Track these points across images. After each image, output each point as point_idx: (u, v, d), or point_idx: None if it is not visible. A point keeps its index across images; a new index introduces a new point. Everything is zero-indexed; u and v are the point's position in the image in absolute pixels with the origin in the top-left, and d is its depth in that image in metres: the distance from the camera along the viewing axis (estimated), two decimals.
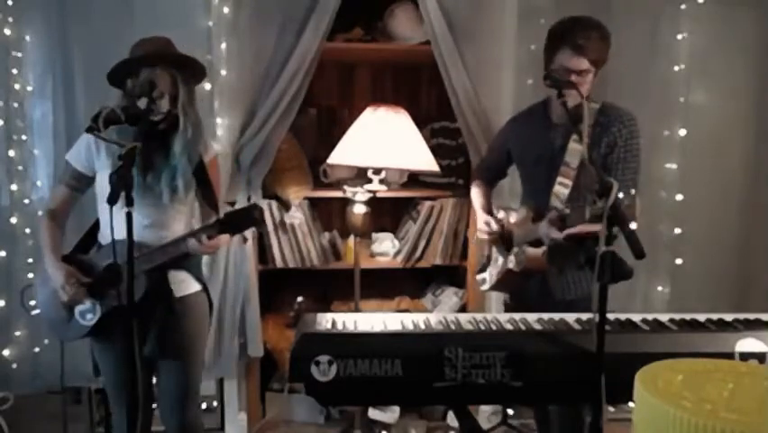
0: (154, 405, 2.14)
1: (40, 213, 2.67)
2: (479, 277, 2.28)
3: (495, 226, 2.13)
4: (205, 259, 2.55)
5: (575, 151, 1.96)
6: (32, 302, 2.23)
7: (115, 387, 2.00)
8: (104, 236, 1.99)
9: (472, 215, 2.73)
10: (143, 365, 2.01)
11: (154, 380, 2.08)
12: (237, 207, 1.86)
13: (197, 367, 2.07)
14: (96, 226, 2.05)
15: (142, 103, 1.71)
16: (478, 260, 2.41)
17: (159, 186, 1.89)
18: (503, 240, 2.14)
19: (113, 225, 1.51)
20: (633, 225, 1.47)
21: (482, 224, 2.18)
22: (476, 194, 2.36)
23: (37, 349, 2.69)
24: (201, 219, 2.10)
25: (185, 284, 2.02)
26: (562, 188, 1.97)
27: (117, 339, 1.89)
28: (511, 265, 2.00)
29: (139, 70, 1.83)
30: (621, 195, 1.49)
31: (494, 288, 2.22)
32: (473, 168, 2.68)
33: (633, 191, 1.51)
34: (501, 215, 2.20)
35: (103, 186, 1.91)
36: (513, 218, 2.09)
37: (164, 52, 1.88)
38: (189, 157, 1.91)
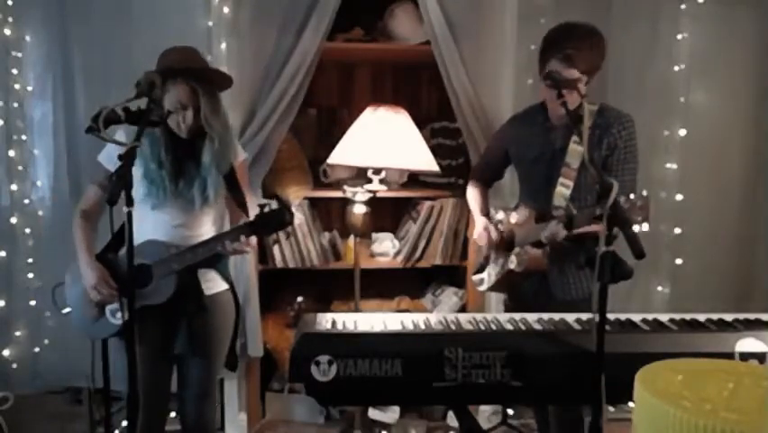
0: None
1: (40, 213, 2.69)
2: (476, 277, 2.26)
3: (495, 235, 2.11)
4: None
5: (576, 152, 1.96)
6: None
7: (140, 387, 2.00)
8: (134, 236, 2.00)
9: (472, 215, 2.71)
10: (168, 364, 2.05)
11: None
12: (267, 209, 1.87)
13: (220, 365, 2.11)
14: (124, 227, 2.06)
15: (142, 103, 1.71)
16: (477, 259, 2.39)
17: (190, 193, 1.92)
18: (503, 241, 2.13)
19: (111, 225, 1.51)
20: (645, 226, 1.49)
21: (482, 230, 2.16)
22: (473, 196, 2.34)
23: (37, 349, 2.69)
24: (231, 221, 2.13)
25: (213, 283, 2.05)
26: (563, 189, 1.97)
27: (145, 339, 1.90)
28: (512, 266, 2.00)
29: (163, 81, 1.82)
30: (633, 196, 1.51)
31: (493, 288, 2.21)
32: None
33: (645, 192, 1.52)
34: (501, 215, 2.18)
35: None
36: (514, 218, 2.08)
37: (183, 66, 1.88)
38: (218, 167, 1.94)
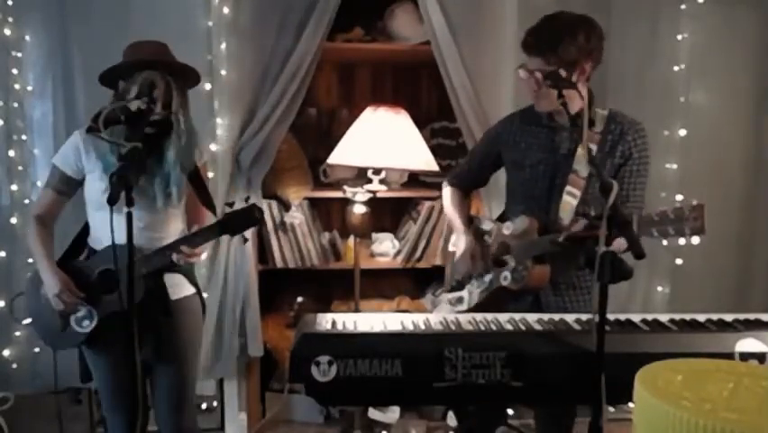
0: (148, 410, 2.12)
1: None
2: (452, 296, 2.10)
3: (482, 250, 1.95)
4: (203, 260, 2.54)
5: (585, 157, 1.81)
6: None
7: (112, 393, 1.96)
8: (94, 241, 1.95)
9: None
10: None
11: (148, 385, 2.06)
12: (236, 207, 1.85)
13: (193, 371, 2.05)
14: (84, 231, 2.01)
15: (142, 103, 1.70)
16: (449, 276, 2.18)
17: (152, 190, 1.86)
18: (494, 255, 1.96)
19: (113, 227, 1.50)
20: (695, 240, 1.40)
21: (473, 246, 1.99)
22: (451, 203, 2.15)
23: (37, 349, 2.68)
24: (187, 222, 2.05)
25: (179, 287, 2.00)
26: (570, 199, 1.83)
27: (114, 344, 1.86)
28: (505, 282, 1.86)
29: (132, 73, 1.81)
30: (681, 206, 1.43)
31: (475, 309, 1.99)
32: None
33: (695, 202, 1.42)
34: (488, 226, 2.02)
35: (92, 189, 1.88)
36: (508, 229, 1.90)
37: (157, 59, 1.85)
38: (182, 164, 1.88)
